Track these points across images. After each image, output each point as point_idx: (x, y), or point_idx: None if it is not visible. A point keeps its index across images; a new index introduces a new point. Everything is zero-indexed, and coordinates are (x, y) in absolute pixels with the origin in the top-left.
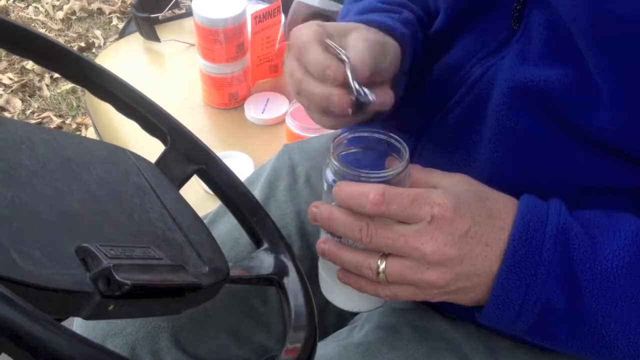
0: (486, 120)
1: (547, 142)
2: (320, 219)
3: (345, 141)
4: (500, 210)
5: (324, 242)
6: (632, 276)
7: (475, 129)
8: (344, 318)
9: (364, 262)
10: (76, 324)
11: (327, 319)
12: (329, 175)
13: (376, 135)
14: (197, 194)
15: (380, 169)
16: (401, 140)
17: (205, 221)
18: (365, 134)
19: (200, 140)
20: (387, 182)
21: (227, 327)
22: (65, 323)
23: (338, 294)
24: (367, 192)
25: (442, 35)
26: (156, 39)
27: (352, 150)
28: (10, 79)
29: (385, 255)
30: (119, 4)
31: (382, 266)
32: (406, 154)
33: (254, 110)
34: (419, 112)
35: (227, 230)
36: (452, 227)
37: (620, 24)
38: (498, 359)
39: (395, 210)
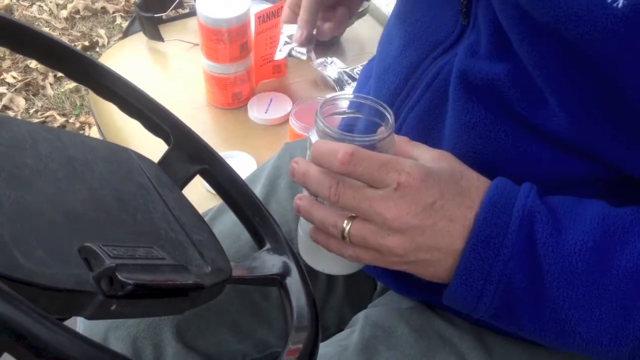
0: (446, 117)
1: (504, 137)
2: (297, 174)
3: (335, 103)
4: (472, 190)
5: (299, 198)
6: (594, 261)
7: (437, 127)
8: (343, 317)
9: (331, 219)
10: (79, 319)
11: (327, 317)
12: (313, 135)
13: (362, 100)
14: (199, 194)
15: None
16: (387, 107)
17: (206, 218)
18: (353, 99)
19: (204, 140)
20: (370, 147)
21: (228, 322)
22: (69, 321)
23: (311, 254)
24: (337, 150)
25: (391, 33)
26: (160, 38)
27: (338, 112)
28: (14, 77)
29: (352, 218)
30: (123, 3)
31: (347, 227)
32: (391, 121)
33: (257, 110)
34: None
35: (229, 227)
36: (417, 197)
37: (541, 27)
38: (494, 356)
39: (362, 172)
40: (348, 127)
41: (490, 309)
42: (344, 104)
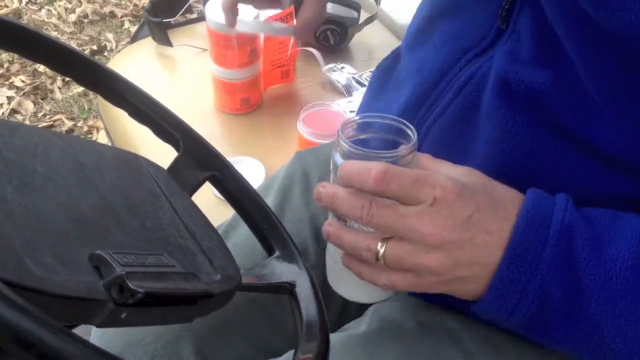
0: (479, 123)
1: (546, 148)
2: (324, 197)
3: (355, 125)
4: (506, 202)
5: (329, 224)
6: (634, 279)
7: (468, 133)
8: (349, 312)
9: (364, 243)
10: (94, 335)
11: (343, 320)
12: (337, 158)
13: (386, 121)
14: (208, 200)
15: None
16: (409, 125)
17: (220, 230)
18: (375, 119)
19: (213, 147)
20: (394, 163)
21: (247, 336)
22: (84, 334)
23: (341, 283)
24: (369, 168)
25: (423, 36)
26: (168, 43)
27: (361, 137)
28: (23, 81)
29: (386, 239)
30: (131, 7)
31: (382, 250)
32: (414, 138)
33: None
34: (406, 119)
35: (243, 240)
36: (454, 211)
37: (604, 34)
38: (502, 354)
39: (397, 190)
40: (361, 144)
41: (522, 321)
42: (363, 125)
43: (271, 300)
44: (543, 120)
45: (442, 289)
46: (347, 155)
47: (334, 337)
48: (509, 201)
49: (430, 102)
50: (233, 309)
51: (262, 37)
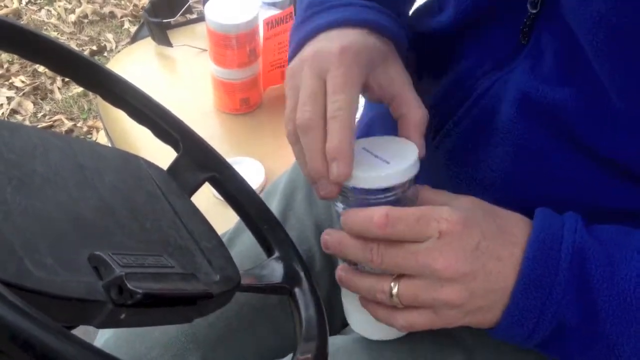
0: (495, 136)
1: (561, 162)
2: (331, 244)
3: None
4: (512, 227)
5: (341, 269)
6: None
7: (482, 146)
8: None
9: (377, 285)
10: (96, 342)
11: (337, 317)
12: (338, 205)
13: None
14: (208, 201)
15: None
16: (410, 144)
17: (225, 238)
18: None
19: (213, 148)
20: (396, 200)
21: (254, 345)
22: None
23: (358, 321)
24: (370, 216)
25: (444, 48)
26: (168, 43)
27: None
28: (22, 81)
29: (398, 279)
30: (131, 7)
31: (395, 289)
32: (415, 168)
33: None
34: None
35: (247, 246)
36: (462, 241)
37: (636, 46)
38: (504, 355)
39: (403, 231)
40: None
41: (540, 343)
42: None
43: (278, 308)
44: (561, 136)
45: (461, 322)
46: (346, 201)
47: (337, 341)
48: (514, 225)
49: (446, 110)
50: (238, 319)
51: (261, 37)
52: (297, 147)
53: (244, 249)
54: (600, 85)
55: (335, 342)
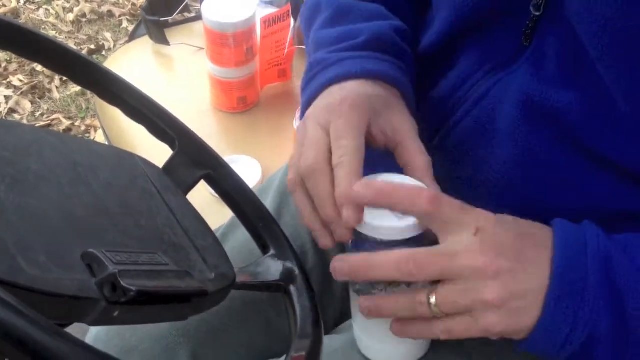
0: (495, 138)
1: (564, 164)
2: (354, 269)
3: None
4: (535, 232)
5: (365, 300)
6: None
7: (483, 147)
8: (344, 312)
9: (412, 299)
10: (89, 340)
11: (327, 312)
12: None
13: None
14: (204, 199)
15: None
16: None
17: (218, 233)
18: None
19: (208, 146)
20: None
21: (244, 342)
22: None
23: (378, 353)
24: (418, 193)
25: (444, 48)
26: (165, 42)
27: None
28: (21, 80)
29: (433, 288)
30: (129, 6)
31: (433, 298)
32: None
33: None
34: (421, 129)
35: (241, 242)
36: (499, 237)
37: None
38: (501, 356)
39: (445, 212)
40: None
41: (571, 354)
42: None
43: (269, 305)
44: (564, 138)
45: (499, 328)
46: (360, 244)
47: (333, 341)
48: (538, 231)
49: (447, 111)
50: (229, 314)
51: (258, 35)
52: (299, 195)
53: (237, 245)
54: (604, 88)
55: (332, 342)
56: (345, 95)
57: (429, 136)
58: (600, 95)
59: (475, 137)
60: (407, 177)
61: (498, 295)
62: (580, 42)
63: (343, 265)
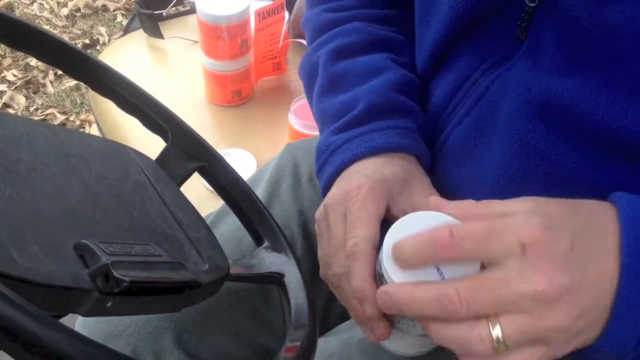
0: (496, 133)
1: (567, 156)
2: (397, 303)
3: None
4: (598, 214)
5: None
6: None
7: (484, 143)
8: (335, 309)
9: (471, 334)
10: (77, 325)
11: (330, 316)
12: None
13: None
14: (198, 192)
15: None
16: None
17: (208, 220)
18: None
19: (202, 137)
20: None
21: (229, 328)
22: (68, 323)
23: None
24: (434, 237)
25: (441, 50)
26: (160, 35)
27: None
28: (15, 75)
29: (493, 320)
30: (124, 0)
31: (497, 332)
32: None
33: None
34: (423, 130)
35: (230, 230)
36: (552, 248)
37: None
38: None
39: (472, 249)
40: None
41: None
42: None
43: (257, 295)
44: (568, 127)
45: (571, 347)
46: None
47: (331, 344)
48: (600, 212)
49: (448, 112)
50: (216, 302)
51: (252, 28)
52: (339, 291)
53: (227, 232)
54: (604, 71)
55: (329, 345)
56: (363, 180)
57: (431, 142)
58: (603, 79)
59: (476, 135)
60: (425, 212)
61: (568, 316)
62: (577, 28)
63: (386, 298)
